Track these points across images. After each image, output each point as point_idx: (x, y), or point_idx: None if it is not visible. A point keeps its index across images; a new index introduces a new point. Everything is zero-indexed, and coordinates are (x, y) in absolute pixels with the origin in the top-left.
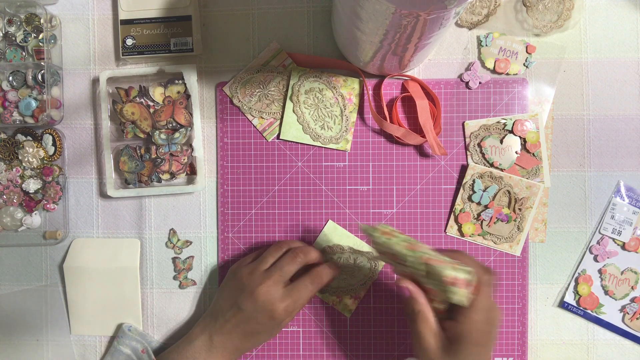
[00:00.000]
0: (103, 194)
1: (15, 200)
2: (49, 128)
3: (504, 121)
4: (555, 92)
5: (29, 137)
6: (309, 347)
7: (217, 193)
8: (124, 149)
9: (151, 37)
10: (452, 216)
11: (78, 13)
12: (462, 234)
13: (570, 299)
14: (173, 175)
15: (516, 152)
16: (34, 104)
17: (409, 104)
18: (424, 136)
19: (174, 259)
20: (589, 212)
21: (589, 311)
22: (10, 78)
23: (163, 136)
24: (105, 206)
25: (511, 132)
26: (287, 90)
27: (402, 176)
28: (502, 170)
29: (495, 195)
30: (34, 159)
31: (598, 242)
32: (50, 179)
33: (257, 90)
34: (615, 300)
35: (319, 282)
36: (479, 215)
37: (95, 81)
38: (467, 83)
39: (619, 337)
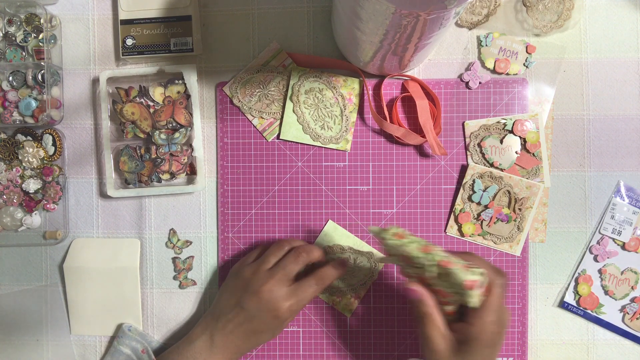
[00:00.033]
0: (103, 194)
1: (15, 200)
2: (49, 128)
3: (504, 121)
4: (555, 92)
5: (29, 137)
6: (309, 347)
7: (217, 193)
8: (124, 149)
9: (151, 37)
10: (452, 216)
11: (78, 13)
12: (462, 234)
13: (570, 299)
14: (173, 175)
15: (516, 152)
16: (34, 104)
17: (409, 104)
18: (424, 136)
19: (174, 259)
20: (589, 212)
21: (589, 311)
22: (10, 78)
23: (163, 136)
24: (105, 206)
25: (511, 132)
26: (287, 90)
27: (402, 176)
28: (502, 170)
29: (495, 195)
30: (34, 159)
31: (598, 242)
32: (50, 179)
33: (257, 90)
34: (615, 300)
35: (324, 283)
36: (479, 215)
37: (95, 81)
38: (467, 83)
39: (619, 337)
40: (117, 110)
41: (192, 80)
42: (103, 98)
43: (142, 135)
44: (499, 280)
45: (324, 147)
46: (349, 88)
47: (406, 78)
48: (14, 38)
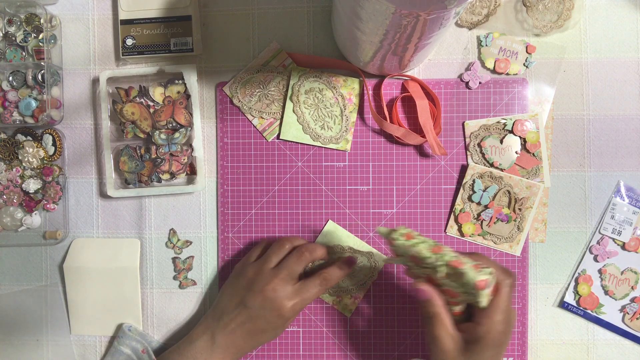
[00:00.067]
0: (103, 194)
1: (15, 200)
2: (49, 128)
3: (504, 121)
4: (555, 92)
5: (29, 137)
6: (309, 347)
7: (217, 193)
8: (124, 149)
9: (151, 37)
10: (452, 216)
11: (78, 13)
12: (462, 234)
13: (570, 299)
14: (173, 175)
15: (516, 152)
16: (34, 104)
17: (409, 104)
18: (424, 136)
19: (174, 259)
20: (589, 212)
21: (589, 311)
22: (10, 78)
23: (163, 136)
24: (105, 206)
25: (511, 132)
26: (287, 90)
27: (402, 176)
28: (502, 170)
29: (495, 195)
30: (34, 159)
31: (598, 242)
32: (50, 179)
33: (257, 90)
34: (615, 300)
35: (328, 283)
36: (479, 215)
37: (95, 81)
38: (467, 83)
39: (619, 337)
40: (117, 110)
41: (192, 80)
42: (103, 98)
43: (142, 135)
44: (507, 280)
45: (324, 147)
46: (349, 88)
47: (406, 78)
48: (14, 38)
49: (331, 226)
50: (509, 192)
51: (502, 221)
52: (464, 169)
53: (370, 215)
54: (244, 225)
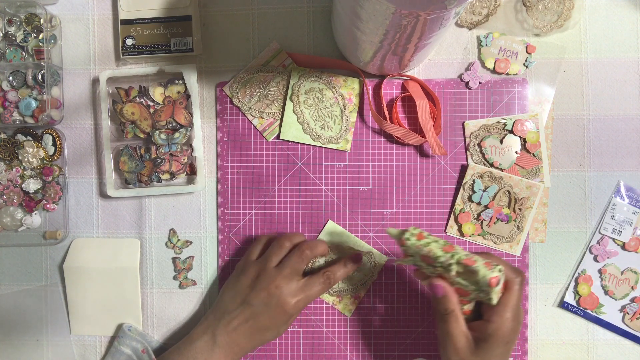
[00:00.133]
0: (103, 194)
1: (15, 200)
2: (49, 128)
3: (504, 121)
4: (555, 92)
5: (29, 137)
6: (309, 347)
7: (217, 193)
8: (124, 149)
9: (151, 37)
10: (452, 216)
11: (78, 13)
12: (462, 234)
13: (570, 299)
14: (173, 175)
15: (516, 152)
16: (34, 104)
17: (409, 104)
18: (424, 136)
19: (174, 259)
20: (589, 212)
21: (589, 311)
22: (10, 78)
23: (163, 136)
24: (105, 206)
25: (511, 132)
26: (287, 90)
27: (402, 176)
28: (502, 170)
29: (495, 195)
30: (34, 159)
31: (598, 242)
32: (50, 179)
33: (257, 90)
34: (615, 300)
35: (332, 282)
36: (479, 215)
37: (95, 81)
38: (467, 83)
39: (619, 337)
40: (117, 110)
41: (192, 80)
42: (103, 98)
43: (142, 135)
44: (518, 278)
45: (324, 147)
46: (349, 88)
47: (406, 78)
48: (14, 38)
49: (331, 226)
50: (509, 192)
51: (502, 221)
52: (464, 169)
53: (370, 215)
54: (244, 225)
